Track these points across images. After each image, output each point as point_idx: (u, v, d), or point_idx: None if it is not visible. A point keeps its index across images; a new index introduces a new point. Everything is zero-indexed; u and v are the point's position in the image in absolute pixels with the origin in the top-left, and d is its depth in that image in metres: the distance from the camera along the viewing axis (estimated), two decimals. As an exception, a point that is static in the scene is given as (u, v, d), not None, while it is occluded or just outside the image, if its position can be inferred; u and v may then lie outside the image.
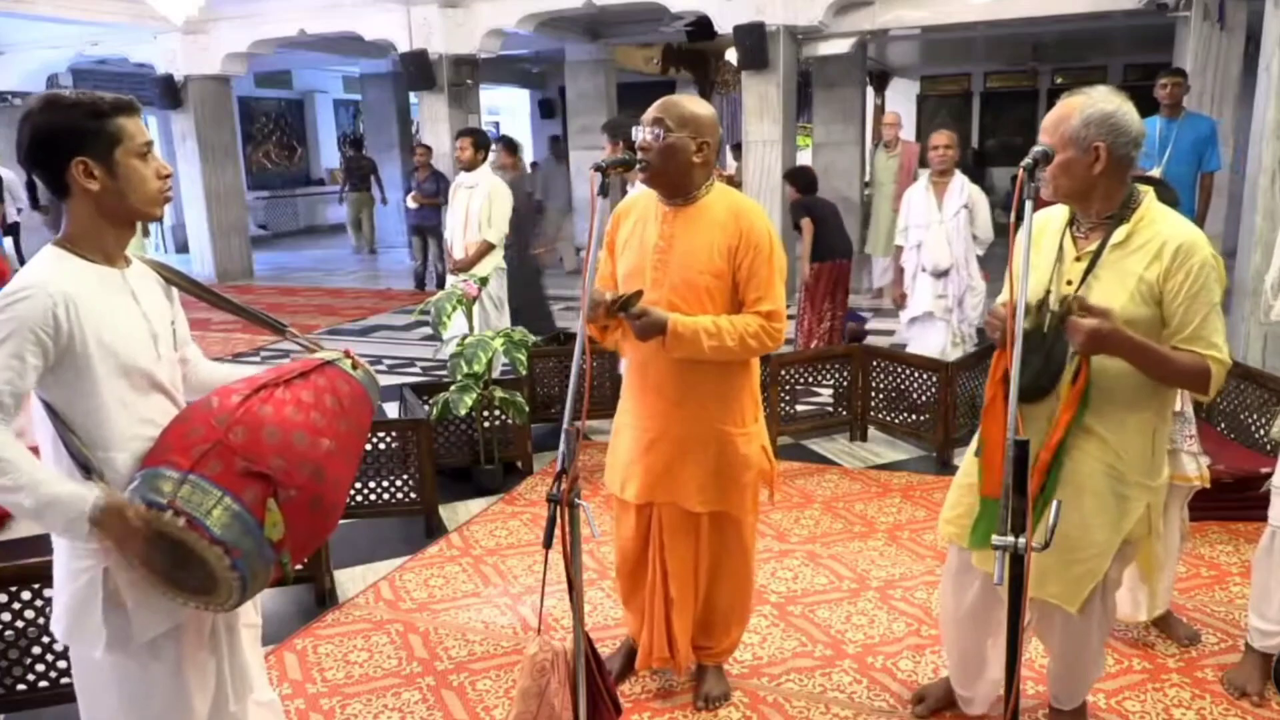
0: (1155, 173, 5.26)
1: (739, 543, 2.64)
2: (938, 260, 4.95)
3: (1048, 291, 2.09)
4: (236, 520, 1.58)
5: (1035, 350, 2.02)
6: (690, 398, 2.47)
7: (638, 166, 2.39)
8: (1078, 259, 2.07)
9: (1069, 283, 2.06)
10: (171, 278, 1.88)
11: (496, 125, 19.24)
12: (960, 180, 4.99)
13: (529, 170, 11.02)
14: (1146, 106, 6.02)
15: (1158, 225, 2.02)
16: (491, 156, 6.01)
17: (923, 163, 8.12)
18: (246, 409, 1.65)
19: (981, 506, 2.19)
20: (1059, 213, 2.20)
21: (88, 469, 1.61)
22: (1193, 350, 1.97)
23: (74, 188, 1.66)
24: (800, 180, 6.47)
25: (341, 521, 3.88)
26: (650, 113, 2.42)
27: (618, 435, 2.64)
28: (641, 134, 2.39)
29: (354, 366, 1.89)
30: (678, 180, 2.45)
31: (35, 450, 1.64)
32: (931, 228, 4.97)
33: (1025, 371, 1.83)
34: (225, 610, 1.70)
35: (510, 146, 7.91)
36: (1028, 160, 1.90)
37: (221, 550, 1.56)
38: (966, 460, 2.35)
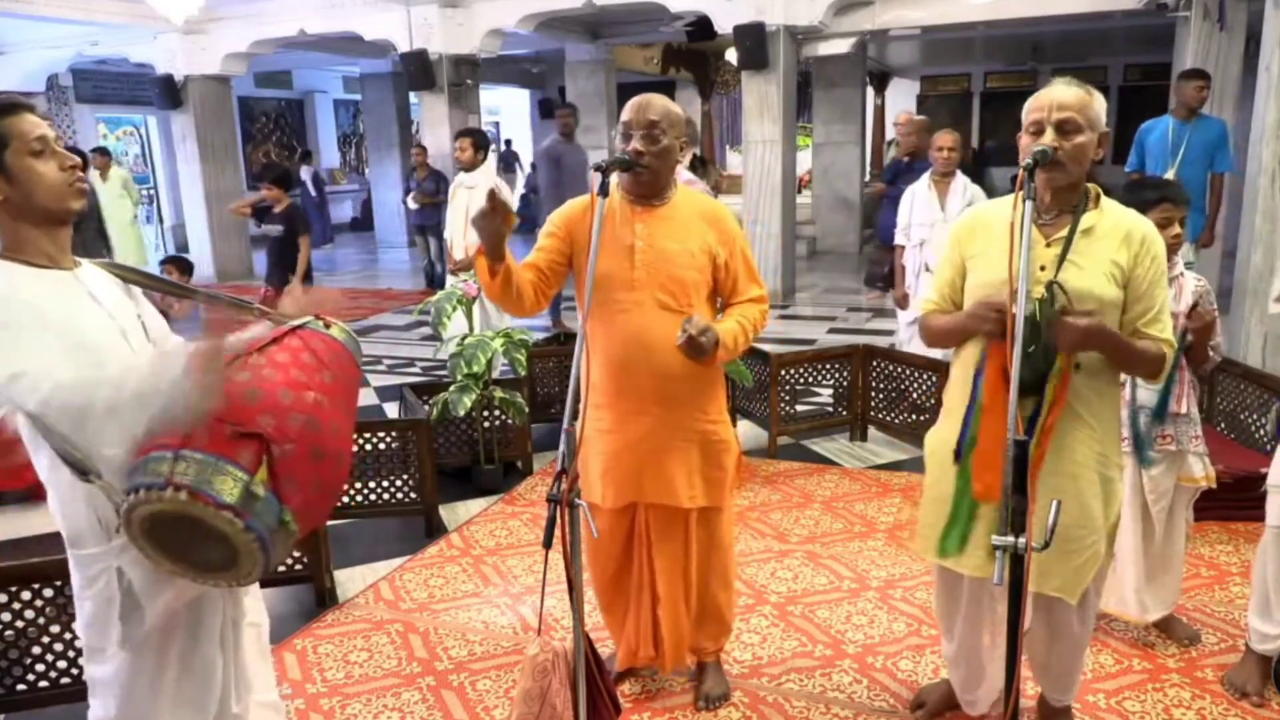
0: (1169, 175, 5.27)
1: (724, 534, 2.66)
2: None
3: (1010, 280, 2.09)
4: (238, 484, 1.54)
5: (1032, 340, 2.03)
6: (672, 394, 2.46)
7: (635, 170, 2.35)
8: (1047, 245, 2.10)
9: (1042, 268, 2.08)
10: (125, 275, 1.86)
11: (496, 125, 19.23)
12: (963, 180, 4.99)
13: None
14: (1148, 107, 6.06)
15: (1116, 214, 2.12)
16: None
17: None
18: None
19: (959, 511, 2.18)
20: (1001, 208, 2.20)
21: (84, 472, 1.60)
22: (1151, 335, 2.08)
23: None
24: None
25: (341, 521, 3.96)
26: (643, 115, 2.35)
27: (589, 444, 2.52)
28: (634, 141, 2.35)
29: (327, 326, 1.84)
30: (664, 181, 2.45)
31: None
32: (936, 226, 4.97)
33: (1026, 364, 1.86)
34: (254, 580, 1.65)
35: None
36: (1028, 160, 1.91)
37: (231, 514, 1.52)
38: (939, 471, 2.29)
